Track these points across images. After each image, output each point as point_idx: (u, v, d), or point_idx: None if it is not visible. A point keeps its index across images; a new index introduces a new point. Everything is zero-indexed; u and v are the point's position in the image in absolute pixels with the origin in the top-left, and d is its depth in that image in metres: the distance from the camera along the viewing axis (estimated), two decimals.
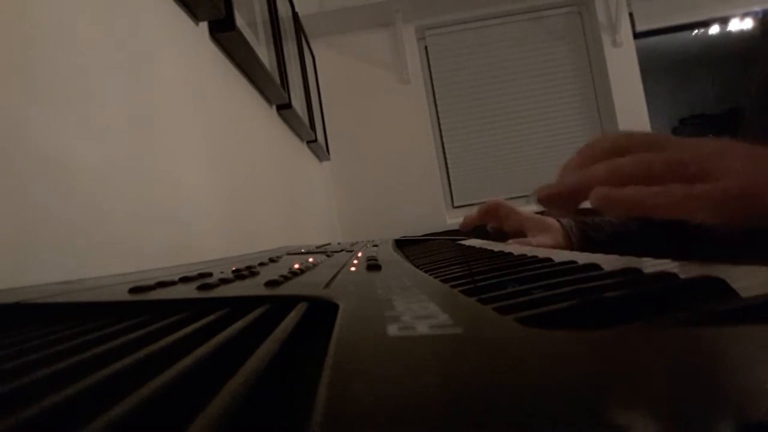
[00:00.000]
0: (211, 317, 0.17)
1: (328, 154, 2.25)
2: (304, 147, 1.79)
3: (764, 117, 0.57)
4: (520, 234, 0.74)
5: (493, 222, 0.72)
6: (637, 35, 2.55)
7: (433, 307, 0.14)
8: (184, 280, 0.27)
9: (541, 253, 0.38)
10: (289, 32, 1.70)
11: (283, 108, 1.38)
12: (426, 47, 2.55)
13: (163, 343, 0.13)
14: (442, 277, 0.27)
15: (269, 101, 1.30)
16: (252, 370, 0.10)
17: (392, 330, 0.11)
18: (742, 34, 2.72)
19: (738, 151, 0.25)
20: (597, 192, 0.25)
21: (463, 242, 0.64)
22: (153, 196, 0.58)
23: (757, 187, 0.22)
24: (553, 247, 0.68)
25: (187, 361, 0.11)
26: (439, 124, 2.55)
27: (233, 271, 0.30)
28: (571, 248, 0.66)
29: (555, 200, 0.28)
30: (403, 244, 0.85)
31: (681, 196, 0.22)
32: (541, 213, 0.75)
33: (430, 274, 0.28)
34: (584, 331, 0.10)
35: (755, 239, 0.25)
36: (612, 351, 0.09)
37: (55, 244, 0.40)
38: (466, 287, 0.22)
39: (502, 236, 0.71)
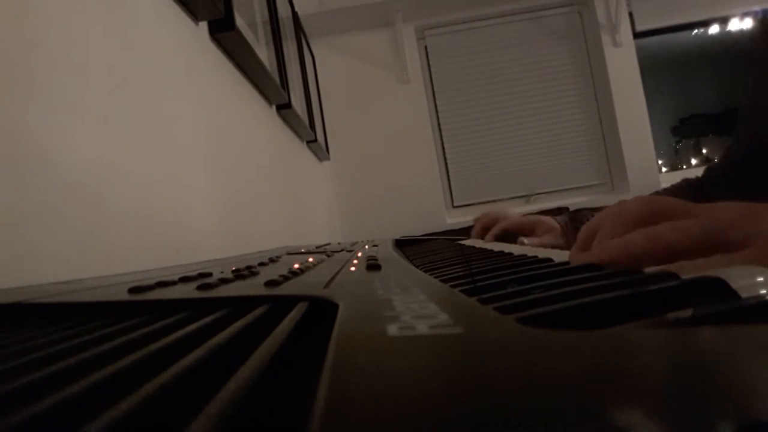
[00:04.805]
0: (211, 317, 0.17)
1: (328, 154, 2.25)
2: (304, 147, 1.79)
3: (758, 117, 0.58)
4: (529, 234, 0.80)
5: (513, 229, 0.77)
6: (637, 35, 2.55)
7: (432, 306, 0.14)
8: (184, 280, 0.27)
9: (541, 253, 0.38)
10: (289, 32, 1.70)
11: (283, 108, 1.38)
12: (426, 47, 2.55)
13: (162, 343, 0.13)
14: (442, 277, 0.27)
15: (269, 101, 1.30)
16: (252, 370, 0.10)
17: (392, 330, 0.11)
18: (742, 34, 2.72)
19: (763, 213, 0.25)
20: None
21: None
22: (152, 196, 0.58)
23: None
24: (556, 246, 0.70)
25: (186, 360, 0.11)
26: (439, 124, 2.55)
27: (233, 271, 0.30)
28: (569, 247, 0.69)
29: None
30: (403, 244, 0.85)
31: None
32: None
33: (430, 274, 0.28)
34: (584, 331, 0.10)
35: None
36: (612, 351, 0.09)
37: (55, 244, 0.40)
38: (466, 287, 0.22)
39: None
